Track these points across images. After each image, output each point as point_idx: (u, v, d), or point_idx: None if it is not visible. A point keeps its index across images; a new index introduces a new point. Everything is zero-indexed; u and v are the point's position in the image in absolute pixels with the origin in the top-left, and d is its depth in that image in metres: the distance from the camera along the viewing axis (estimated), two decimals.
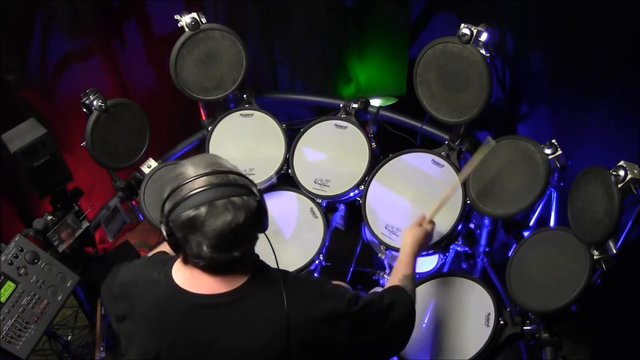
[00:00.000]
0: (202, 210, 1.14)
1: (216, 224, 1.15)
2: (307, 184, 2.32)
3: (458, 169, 2.16)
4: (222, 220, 1.15)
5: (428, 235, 1.77)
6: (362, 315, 1.30)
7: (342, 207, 2.42)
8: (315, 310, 1.25)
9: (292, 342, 1.21)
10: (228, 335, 1.22)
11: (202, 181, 1.17)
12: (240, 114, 2.52)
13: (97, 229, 2.31)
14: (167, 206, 1.18)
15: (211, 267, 1.23)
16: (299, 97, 2.82)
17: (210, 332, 1.22)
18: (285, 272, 1.32)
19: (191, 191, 1.15)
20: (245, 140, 2.45)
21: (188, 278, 1.26)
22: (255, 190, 1.22)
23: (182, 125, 2.74)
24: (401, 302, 1.44)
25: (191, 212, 1.14)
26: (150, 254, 1.51)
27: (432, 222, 1.84)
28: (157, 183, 2.31)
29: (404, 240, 1.73)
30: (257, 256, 1.32)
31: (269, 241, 1.36)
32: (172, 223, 1.18)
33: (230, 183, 1.18)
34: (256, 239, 1.27)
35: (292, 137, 2.44)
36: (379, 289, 2.01)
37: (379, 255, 2.17)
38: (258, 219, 1.23)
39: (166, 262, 1.32)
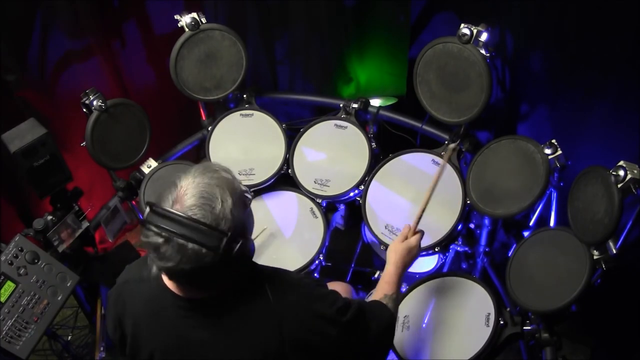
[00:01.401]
0: (159, 240, 1.11)
1: (163, 263, 1.12)
2: (307, 184, 2.31)
3: (458, 169, 2.16)
4: (166, 263, 1.12)
5: (412, 249, 1.66)
6: (350, 326, 1.29)
7: (342, 207, 2.42)
8: (304, 311, 1.25)
9: (285, 342, 1.21)
10: (219, 337, 1.21)
11: (174, 216, 1.11)
12: (240, 114, 2.52)
13: (97, 229, 2.31)
14: (149, 213, 1.14)
15: None
16: (299, 97, 2.82)
17: (200, 334, 1.22)
18: (277, 271, 1.32)
19: (161, 219, 1.11)
20: (245, 140, 2.45)
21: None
22: (222, 244, 1.11)
23: (182, 125, 2.74)
24: (382, 321, 1.42)
25: (149, 237, 1.12)
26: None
27: (419, 233, 1.73)
28: (157, 183, 2.30)
29: (388, 257, 1.65)
30: (250, 258, 1.28)
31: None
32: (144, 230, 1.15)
33: (197, 231, 1.10)
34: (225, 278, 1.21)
35: (292, 137, 2.43)
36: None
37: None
38: (218, 271, 1.15)
39: None
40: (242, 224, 1.19)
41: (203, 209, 1.12)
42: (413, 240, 1.68)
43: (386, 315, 1.45)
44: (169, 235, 1.10)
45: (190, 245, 1.10)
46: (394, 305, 1.52)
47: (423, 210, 1.76)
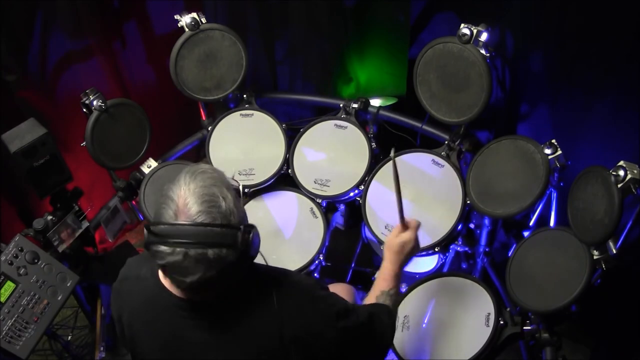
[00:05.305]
0: (177, 258, 1.09)
1: (187, 279, 1.11)
2: (307, 184, 2.31)
3: (458, 169, 2.16)
4: (190, 278, 1.10)
5: (406, 244, 1.55)
6: (349, 330, 1.29)
7: (342, 207, 2.42)
8: (304, 311, 1.24)
9: (285, 342, 1.20)
10: (218, 337, 1.21)
11: (184, 227, 1.09)
12: (240, 114, 2.52)
13: (97, 229, 2.31)
14: (149, 235, 1.12)
15: None
16: (299, 97, 2.82)
17: (199, 334, 1.21)
18: (276, 271, 1.32)
19: (169, 236, 1.09)
20: (245, 140, 2.45)
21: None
22: (239, 239, 1.12)
23: (182, 125, 2.74)
24: (383, 324, 1.41)
25: (165, 258, 1.10)
26: None
27: (413, 227, 1.59)
28: (157, 183, 2.30)
29: (384, 253, 1.58)
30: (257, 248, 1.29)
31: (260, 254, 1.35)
32: (152, 254, 1.14)
33: (213, 234, 1.10)
34: (237, 277, 1.21)
35: (292, 137, 2.43)
36: None
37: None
38: (236, 268, 1.15)
39: None
40: (244, 212, 1.19)
41: (210, 211, 1.10)
42: (406, 235, 1.57)
43: (386, 318, 1.44)
44: (186, 249, 1.08)
45: (210, 251, 1.08)
46: (392, 302, 1.49)
47: (400, 202, 1.59)
